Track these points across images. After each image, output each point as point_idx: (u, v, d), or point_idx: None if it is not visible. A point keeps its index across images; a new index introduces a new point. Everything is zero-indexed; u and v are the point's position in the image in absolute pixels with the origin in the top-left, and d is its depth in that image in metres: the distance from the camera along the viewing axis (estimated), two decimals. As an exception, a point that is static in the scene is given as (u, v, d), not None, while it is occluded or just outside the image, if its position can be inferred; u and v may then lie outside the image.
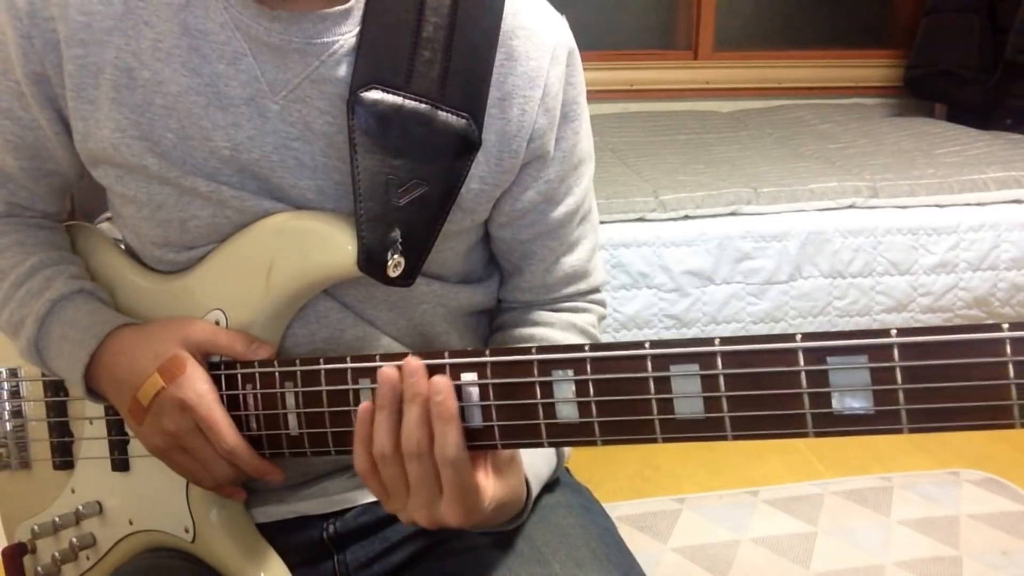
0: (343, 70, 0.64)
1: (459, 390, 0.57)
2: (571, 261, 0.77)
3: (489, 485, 0.59)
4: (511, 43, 0.67)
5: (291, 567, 0.73)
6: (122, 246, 0.78)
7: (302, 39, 0.64)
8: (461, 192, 0.67)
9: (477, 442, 0.58)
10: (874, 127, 2.75)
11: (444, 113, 0.64)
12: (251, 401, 0.66)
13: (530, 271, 0.76)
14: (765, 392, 0.50)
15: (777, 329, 2.02)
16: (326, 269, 0.66)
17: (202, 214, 0.68)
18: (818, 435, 0.50)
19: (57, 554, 0.77)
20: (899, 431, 0.48)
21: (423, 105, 0.64)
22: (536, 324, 0.77)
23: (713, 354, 0.51)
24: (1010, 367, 0.45)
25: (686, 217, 1.98)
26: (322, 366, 0.63)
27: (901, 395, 0.47)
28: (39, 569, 0.79)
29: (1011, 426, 0.46)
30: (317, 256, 0.66)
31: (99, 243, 0.78)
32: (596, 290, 0.81)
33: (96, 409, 0.75)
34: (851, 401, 0.48)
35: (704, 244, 1.95)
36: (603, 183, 2.05)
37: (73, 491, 0.78)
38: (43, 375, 0.79)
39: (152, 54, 0.64)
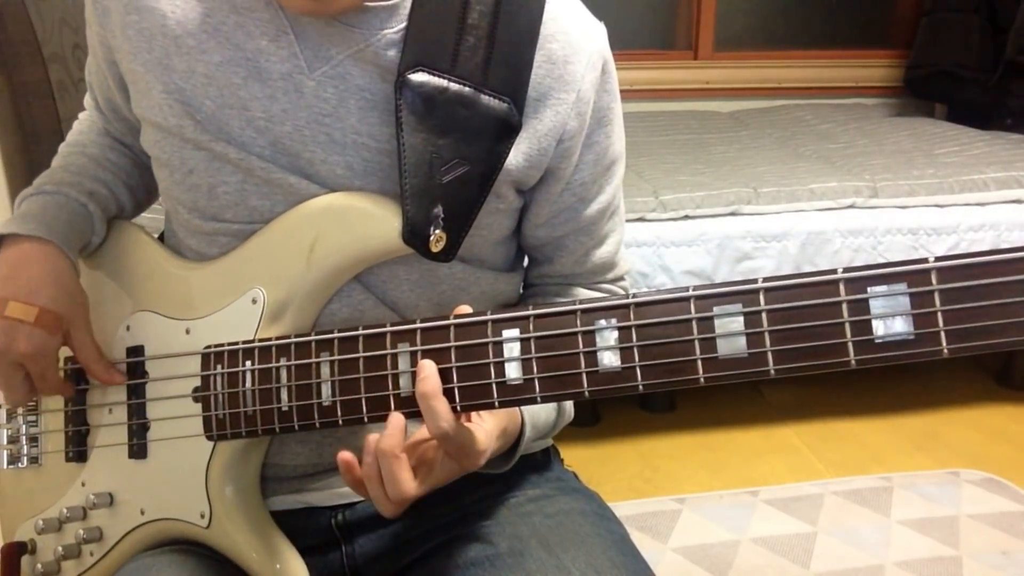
0: (390, 53, 0.68)
1: (500, 346, 0.60)
2: (600, 254, 0.81)
3: (482, 428, 0.63)
4: (550, 47, 0.70)
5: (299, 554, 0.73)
6: (156, 236, 0.82)
7: (346, 25, 0.68)
8: (497, 178, 0.69)
9: (517, 396, 0.60)
10: (874, 127, 2.74)
11: (486, 97, 0.67)
12: (248, 378, 0.69)
13: (561, 262, 0.80)
14: (808, 324, 0.52)
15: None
16: (371, 242, 0.68)
17: (231, 180, 0.71)
18: (860, 364, 0.51)
19: (60, 549, 0.77)
20: (939, 354, 0.49)
21: (467, 88, 0.67)
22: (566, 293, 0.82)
23: (756, 291, 0.53)
24: None
25: (686, 217, 1.98)
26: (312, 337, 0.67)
27: (940, 317, 0.49)
28: (39, 567, 0.79)
29: None
30: (362, 230, 0.68)
31: (135, 237, 0.81)
32: (621, 278, 0.85)
33: (117, 396, 0.77)
34: (892, 327, 0.50)
35: (704, 244, 1.95)
36: (603, 183, 2.03)
37: (84, 484, 0.79)
38: (64, 364, 0.79)
39: (200, 25, 0.69)
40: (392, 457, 0.60)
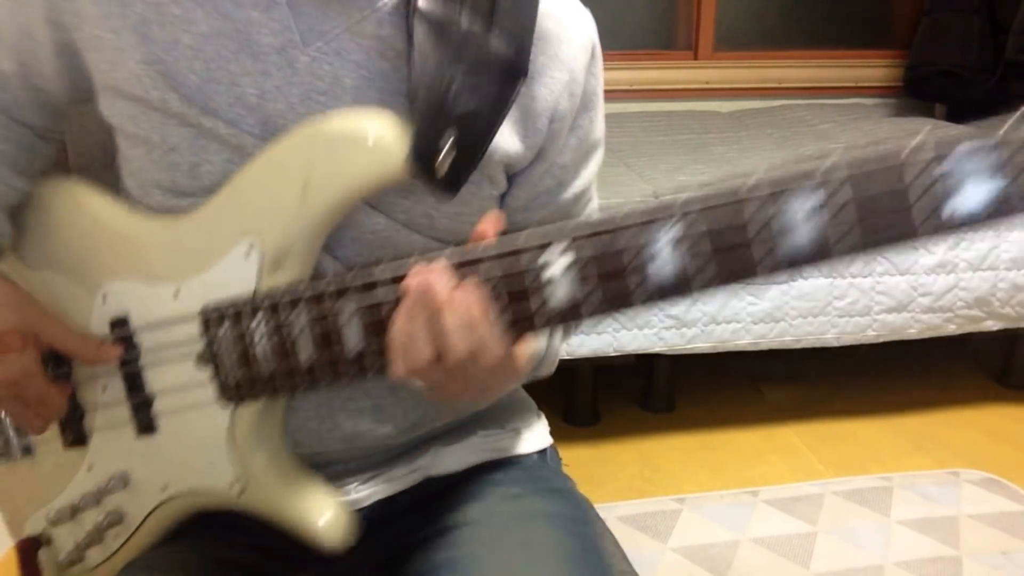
0: (385, 28, 0.65)
1: (542, 268, 0.56)
2: None
3: (523, 346, 0.62)
4: (545, 24, 0.69)
5: (296, 556, 0.72)
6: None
7: None
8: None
9: (564, 321, 0.57)
10: (874, 127, 2.74)
11: (495, 39, 0.65)
12: (259, 335, 0.64)
13: None
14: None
15: (777, 329, 2.02)
16: (372, 169, 0.63)
17: (216, 159, 0.67)
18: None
19: (82, 536, 0.73)
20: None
21: (476, 27, 0.65)
22: None
23: (827, 180, 0.50)
24: None
25: (686, 217, 1.98)
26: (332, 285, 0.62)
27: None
28: (61, 557, 0.75)
29: None
30: (362, 157, 0.62)
31: (83, 199, 0.73)
32: None
33: (107, 373, 0.72)
34: (967, 199, 0.49)
35: (704, 244, 1.95)
36: (603, 183, 2.03)
37: (91, 468, 0.74)
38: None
39: None
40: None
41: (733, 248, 0.53)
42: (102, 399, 0.73)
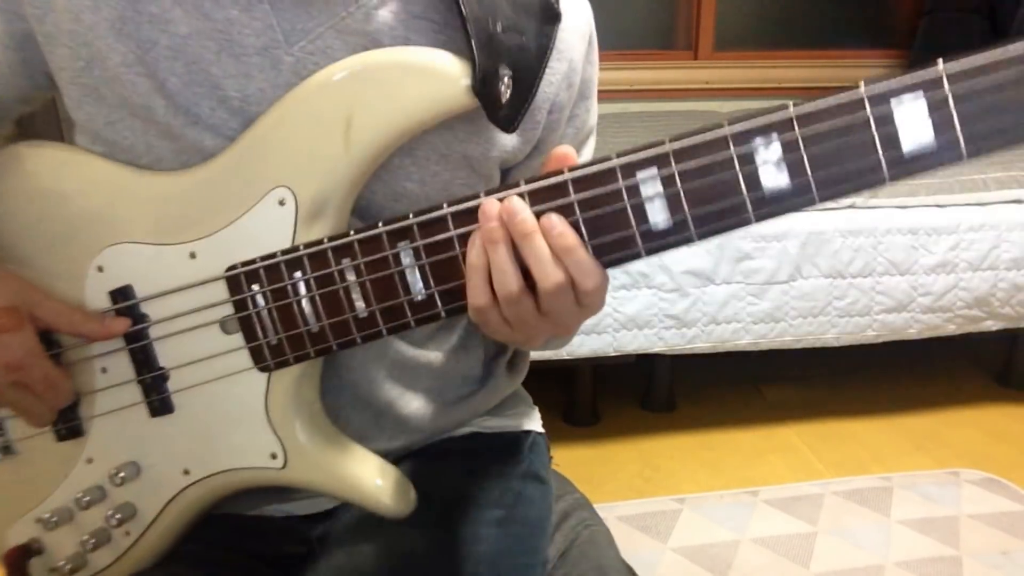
0: (373, 23, 0.63)
1: (637, 188, 0.53)
2: None
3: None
4: None
5: (276, 561, 0.71)
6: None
7: None
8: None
9: (667, 239, 0.54)
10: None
11: None
12: (303, 290, 0.60)
13: None
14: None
15: (777, 329, 2.02)
16: (433, 96, 0.58)
17: None
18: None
19: (86, 537, 0.67)
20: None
21: None
22: None
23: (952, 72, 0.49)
24: None
25: (686, 217, 1.98)
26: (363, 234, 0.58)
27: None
28: (60, 564, 0.68)
29: None
30: (420, 85, 0.58)
31: (66, 160, 0.66)
32: None
33: (106, 352, 0.66)
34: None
35: (704, 244, 1.95)
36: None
37: (91, 461, 0.68)
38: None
39: None
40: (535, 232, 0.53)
41: (855, 146, 0.52)
42: (101, 382, 0.66)
